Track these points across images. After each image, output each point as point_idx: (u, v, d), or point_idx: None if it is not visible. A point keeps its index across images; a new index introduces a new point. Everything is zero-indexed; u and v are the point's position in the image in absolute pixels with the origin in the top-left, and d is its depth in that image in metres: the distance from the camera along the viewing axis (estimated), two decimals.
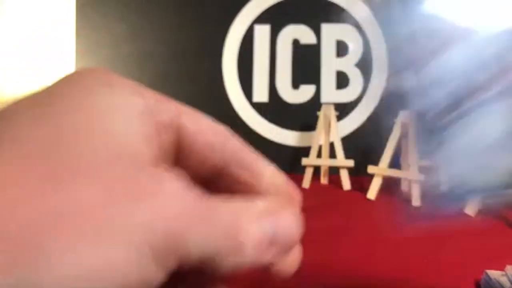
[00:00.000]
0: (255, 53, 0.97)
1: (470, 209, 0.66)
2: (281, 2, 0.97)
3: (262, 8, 0.97)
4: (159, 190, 0.14)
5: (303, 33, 0.96)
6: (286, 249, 0.17)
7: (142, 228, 0.13)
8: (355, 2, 0.95)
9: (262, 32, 0.97)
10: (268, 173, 0.21)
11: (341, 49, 0.96)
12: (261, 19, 0.97)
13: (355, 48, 0.95)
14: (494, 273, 0.39)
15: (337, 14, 0.96)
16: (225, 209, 0.16)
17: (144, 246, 0.13)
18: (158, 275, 0.14)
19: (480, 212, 0.66)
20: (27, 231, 0.12)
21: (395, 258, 0.46)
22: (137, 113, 0.16)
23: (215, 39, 0.98)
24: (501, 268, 0.40)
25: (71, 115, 0.15)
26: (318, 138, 0.85)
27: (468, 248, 0.52)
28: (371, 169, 0.77)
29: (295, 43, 0.97)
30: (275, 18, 0.97)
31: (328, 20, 0.96)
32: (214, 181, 0.19)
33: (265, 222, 0.16)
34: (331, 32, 0.96)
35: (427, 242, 0.54)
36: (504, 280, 0.37)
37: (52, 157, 0.14)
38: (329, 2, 0.96)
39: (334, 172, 0.85)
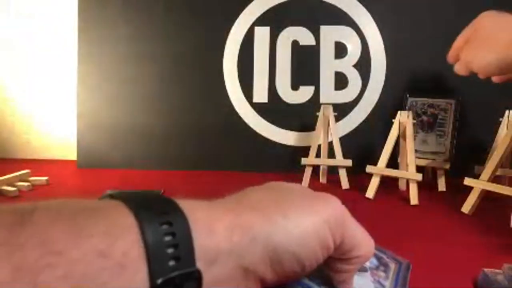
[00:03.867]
0: (255, 54, 0.98)
1: (467, 208, 0.67)
2: (281, 4, 0.97)
3: (262, 10, 0.98)
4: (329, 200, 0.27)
5: (303, 35, 0.97)
6: None
7: (327, 213, 0.25)
8: (353, 5, 0.96)
9: (262, 34, 0.98)
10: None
11: (340, 50, 0.97)
12: (261, 21, 0.98)
13: (353, 50, 0.96)
14: (491, 271, 0.40)
15: (335, 16, 0.96)
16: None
17: (328, 221, 0.25)
18: (331, 242, 0.25)
19: (477, 210, 0.67)
20: (274, 207, 0.25)
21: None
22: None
23: (216, 40, 0.99)
24: (498, 266, 0.40)
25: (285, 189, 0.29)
26: (317, 138, 0.86)
27: (466, 247, 0.53)
28: (369, 168, 0.77)
29: (295, 44, 0.97)
30: (275, 20, 0.97)
31: (327, 22, 0.97)
32: None
33: None
34: (330, 34, 0.97)
35: (426, 241, 0.55)
36: (501, 278, 0.38)
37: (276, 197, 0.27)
38: (328, 4, 0.97)
39: (333, 171, 0.86)
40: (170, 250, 0.19)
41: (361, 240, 0.27)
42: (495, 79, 0.59)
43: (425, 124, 0.85)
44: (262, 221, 0.23)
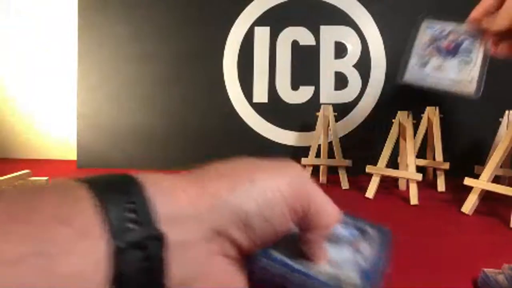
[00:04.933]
0: (255, 54, 0.98)
1: (467, 208, 0.67)
2: (280, 4, 0.97)
3: (262, 10, 0.98)
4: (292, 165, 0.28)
5: (302, 35, 0.97)
6: None
7: (291, 176, 0.26)
8: (353, 5, 0.96)
9: (262, 34, 0.98)
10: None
11: (340, 50, 0.97)
12: (261, 21, 0.98)
13: (353, 50, 0.96)
14: (491, 272, 0.40)
15: (335, 16, 0.96)
16: None
17: (292, 183, 0.26)
18: (298, 204, 0.26)
19: (477, 210, 0.67)
20: (240, 174, 0.26)
21: (394, 257, 0.47)
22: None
23: (216, 40, 0.99)
24: (498, 266, 0.40)
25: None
26: (317, 138, 0.86)
27: (466, 247, 0.53)
28: (369, 168, 0.77)
29: (295, 44, 0.97)
30: (275, 20, 0.97)
31: (327, 22, 0.97)
32: None
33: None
34: (329, 33, 0.97)
35: (426, 241, 0.55)
36: (501, 278, 0.38)
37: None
38: (328, 4, 0.97)
39: (332, 171, 0.86)
40: (130, 215, 0.20)
41: (326, 205, 0.27)
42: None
43: (443, 50, 0.61)
44: (229, 187, 0.24)
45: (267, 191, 0.25)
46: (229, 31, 0.98)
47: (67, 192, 0.20)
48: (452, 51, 0.56)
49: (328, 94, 0.96)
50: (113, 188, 0.21)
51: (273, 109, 0.97)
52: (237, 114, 0.98)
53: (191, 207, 0.23)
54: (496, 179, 0.70)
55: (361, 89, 0.96)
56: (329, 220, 0.27)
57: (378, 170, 0.77)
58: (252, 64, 0.98)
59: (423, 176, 0.76)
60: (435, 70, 0.57)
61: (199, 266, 0.23)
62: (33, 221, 0.18)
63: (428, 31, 0.63)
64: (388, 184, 0.82)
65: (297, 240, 0.27)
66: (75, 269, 0.18)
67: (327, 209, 0.27)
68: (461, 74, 0.54)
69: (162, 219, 0.21)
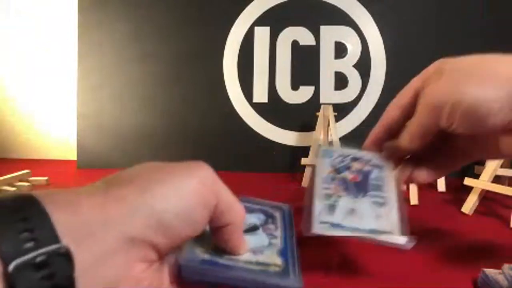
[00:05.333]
0: (255, 54, 0.98)
1: (467, 208, 0.67)
2: (280, 4, 0.97)
3: (262, 10, 0.98)
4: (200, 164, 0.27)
5: (302, 35, 0.97)
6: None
7: (201, 174, 0.26)
8: (353, 5, 0.96)
9: (262, 34, 0.98)
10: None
11: (340, 50, 0.97)
12: (261, 21, 0.98)
13: (353, 50, 0.96)
14: (491, 272, 0.40)
15: (335, 16, 0.96)
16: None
17: (202, 181, 0.26)
18: (210, 200, 0.26)
19: (477, 210, 0.67)
20: (148, 177, 0.25)
21: (393, 257, 0.47)
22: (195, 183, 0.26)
23: (216, 40, 0.99)
24: (498, 266, 0.40)
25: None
26: (317, 138, 0.86)
27: (466, 247, 0.53)
28: None
29: (295, 44, 0.97)
30: (275, 20, 0.97)
31: (327, 22, 0.97)
32: None
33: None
34: (329, 33, 0.97)
35: (425, 241, 0.55)
36: (501, 278, 0.38)
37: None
38: (328, 4, 0.97)
39: None
40: (24, 234, 0.19)
41: (234, 203, 0.28)
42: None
43: (350, 185, 0.44)
44: (138, 192, 0.24)
45: (180, 189, 0.25)
46: (229, 31, 0.98)
47: None
48: (362, 186, 0.43)
49: (328, 94, 0.96)
50: (4, 208, 0.19)
51: (273, 109, 0.97)
52: (237, 114, 0.98)
53: (97, 215, 0.21)
54: (496, 179, 0.69)
55: (361, 89, 0.96)
56: (237, 216, 0.28)
57: None
58: (252, 64, 0.98)
59: None
60: (348, 215, 0.40)
61: (116, 277, 0.22)
62: None
63: (326, 160, 0.47)
64: None
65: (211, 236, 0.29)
66: None
67: (234, 206, 0.28)
68: (379, 223, 0.40)
69: (66, 233, 0.20)
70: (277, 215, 0.36)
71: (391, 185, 0.44)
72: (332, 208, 0.41)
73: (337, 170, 0.45)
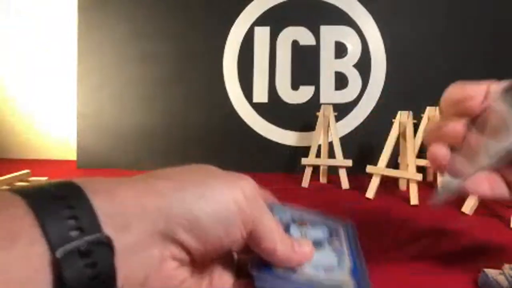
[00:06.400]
0: (255, 54, 0.98)
1: (468, 208, 0.67)
2: (280, 4, 0.97)
3: (262, 10, 0.98)
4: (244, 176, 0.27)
5: (303, 35, 0.97)
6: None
7: (242, 184, 0.26)
8: (353, 4, 0.96)
9: (262, 34, 0.98)
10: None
11: (340, 50, 0.97)
12: (261, 21, 0.98)
13: (353, 50, 0.96)
14: (491, 272, 0.40)
15: (335, 16, 0.96)
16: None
17: (244, 191, 0.25)
18: (248, 213, 0.25)
19: (477, 211, 0.67)
20: (189, 177, 0.25)
21: (394, 257, 0.47)
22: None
23: (216, 40, 0.99)
24: (498, 266, 0.40)
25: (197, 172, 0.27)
26: (317, 138, 0.86)
27: (466, 247, 0.53)
28: (369, 168, 0.77)
29: (295, 44, 0.97)
30: (275, 20, 0.97)
31: (327, 22, 0.97)
32: None
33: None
34: (330, 33, 0.97)
35: (426, 241, 0.55)
36: (501, 278, 0.38)
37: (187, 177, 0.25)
38: (328, 4, 0.97)
39: (333, 171, 0.86)
40: (70, 222, 0.19)
41: (271, 231, 0.26)
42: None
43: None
44: (176, 189, 0.23)
45: (222, 198, 0.24)
46: (229, 31, 0.98)
47: (2, 211, 0.19)
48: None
49: (328, 94, 0.96)
50: (49, 196, 0.20)
51: (273, 109, 0.97)
52: (237, 114, 0.98)
53: (134, 207, 0.22)
54: None
55: (361, 89, 0.96)
56: (270, 246, 0.26)
57: (378, 170, 0.77)
58: (252, 64, 0.98)
59: (423, 176, 0.76)
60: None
61: (147, 270, 0.22)
62: None
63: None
64: (389, 184, 0.82)
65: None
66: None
67: (272, 235, 0.26)
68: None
69: (106, 221, 0.20)
70: (340, 230, 0.34)
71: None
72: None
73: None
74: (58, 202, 0.19)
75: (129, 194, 0.22)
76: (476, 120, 0.35)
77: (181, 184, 0.24)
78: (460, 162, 0.37)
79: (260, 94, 0.98)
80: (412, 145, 0.76)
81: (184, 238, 0.23)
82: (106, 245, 0.20)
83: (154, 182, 0.23)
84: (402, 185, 0.82)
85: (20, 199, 0.19)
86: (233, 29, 0.98)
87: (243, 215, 0.25)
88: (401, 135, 0.78)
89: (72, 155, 1.04)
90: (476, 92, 0.35)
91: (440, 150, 0.38)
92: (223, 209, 0.24)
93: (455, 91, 0.36)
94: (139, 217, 0.22)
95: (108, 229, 0.20)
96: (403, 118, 0.78)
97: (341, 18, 0.96)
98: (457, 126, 0.36)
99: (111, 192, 0.21)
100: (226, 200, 0.24)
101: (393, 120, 0.79)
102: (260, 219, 0.25)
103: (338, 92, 0.96)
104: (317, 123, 0.86)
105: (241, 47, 0.98)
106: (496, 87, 0.34)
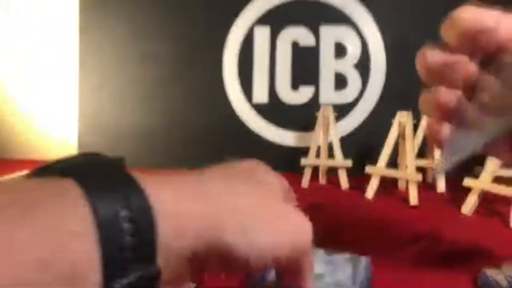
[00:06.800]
0: (255, 54, 0.98)
1: (467, 208, 0.67)
2: (280, 4, 0.97)
3: (262, 10, 0.98)
4: (288, 214, 0.25)
5: (302, 35, 0.97)
6: None
7: (291, 236, 0.23)
8: (353, 4, 0.96)
9: (262, 34, 0.98)
10: None
11: (340, 50, 0.97)
12: (261, 21, 0.98)
13: (353, 50, 0.96)
14: (491, 272, 0.40)
15: (335, 16, 0.96)
16: None
17: (290, 244, 0.23)
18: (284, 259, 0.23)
19: (477, 211, 0.67)
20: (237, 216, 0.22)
21: (393, 257, 0.47)
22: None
23: (215, 40, 0.99)
24: (498, 267, 0.40)
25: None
26: (316, 139, 0.86)
27: (466, 247, 0.53)
28: (369, 169, 0.77)
29: (295, 44, 0.97)
30: (274, 20, 0.97)
31: (327, 22, 0.97)
32: None
33: None
34: (329, 34, 0.97)
35: (426, 242, 0.55)
36: (501, 278, 0.38)
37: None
38: (328, 4, 0.97)
39: (332, 172, 0.86)
40: (123, 213, 0.18)
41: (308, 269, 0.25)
42: None
43: None
44: (225, 230, 0.21)
45: (260, 246, 0.22)
46: (229, 31, 0.98)
47: (59, 197, 0.18)
48: None
49: (328, 94, 0.96)
50: (107, 186, 0.19)
51: (273, 109, 0.97)
52: (236, 114, 0.98)
53: (189, 205, 0.21)
54: (496, 179, 0.69)
55: (361, 89, 0.96)
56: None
57: (377, 170, 0.77)
58: (252, 64, 0.98)
59: (423, 176, 0.76)
60: None
61: (173, 274, 0.21)
62: (35, 230, 0.16)
63: None
64: (388, 185, 0.82)
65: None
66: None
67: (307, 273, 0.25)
68: None
69: (162, 215, 0.19)
70: (359, 267, 0.35)
71: None
72: None
73: None
74: (113, 193, 0.18)
75: (191, 230, 0.20)
76: (488, 60, 0.28)
77: (232, 223, 0.22)
78: (476, 111, 0.29)
79: (260, 95, 0.98)
80: (411, 146, 0.76)
81: (206, 262, 0.22)
82: (155, 278, 0.19)
83: (212, 216, 0.21)
84: (401, 186, 0.82)
85: (78, 190, 0.18)
86: (233, 29, 0.98)
87: (279, 265, 0.24)
88: (401, 135, 0.78)
89: None
90: (495, 21, 0.27)
91: (447, 94, 0.31)
92: (257, 257, 0.22)
93: (468, 17, 0.29)
94: (190, 216, 0.21)
95: (161, 221, 0.19)
96: (402, 118, 0.78)
97: (341, 18, 0.96)
98: (470, 67, 0.29)
99: (177, 221, 0.20)
100: (264, 250, 0.22)
101: (392, 120, 0.79)
102: (303, 277, 0.25)
103: (338, 92, 0.96)
104: (317, 124, 0.86)
105: (241, 47, 0.98)
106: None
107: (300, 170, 0.86)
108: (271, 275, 0.31)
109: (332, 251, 0.37)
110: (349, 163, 0.83)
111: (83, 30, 1.01)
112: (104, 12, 1.01)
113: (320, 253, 0.37)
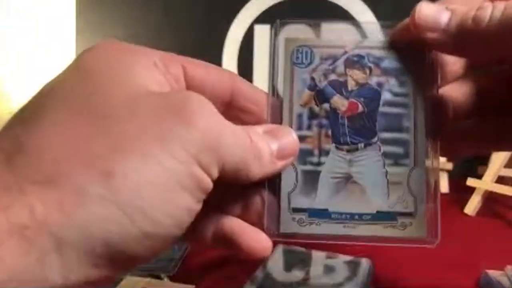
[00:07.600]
0: (255, 53, 0.97)
1: (470, 209, 0.66)
2: (281, 1, 0.97)
3: (262, 8, 0.97)
4: (190, 113, 0.19)
5: (303, 33, 0.96)
6: (289, 160, 0.24)
7: (187, 145, 0.18)
8: (354, 3, 0.96)
9: (262, 32, 0.97)
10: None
11: None
12: (261, 18, 0.97)
13: None
14: (494, 273, 0.39)
15: (336, 15, 0.96)
16: (240, 128, 0.22)
17: (192, 159, 0.18)
18: (205, 181, 0.19)
19: (480, 211, 0.66)
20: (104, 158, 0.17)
21: (395, 257, 0.46)
22: (151, 65, 0.22)
23: (215, 38, 0.98)
24: (501, 268, 0.40)
25: (106, 73, 0.21)
26: None
27: (468, 248, 0.52)
28: None
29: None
30: (275, 18, 0.97)
31: (328, 20, 0.96)
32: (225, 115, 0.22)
33: (268, 139, 0.23)
34: (331, 32, 0.96)
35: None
36: (504, 280, 0.38)
37: (95, 106, 0.19)
38: (329, 2, 0.96)
39: None
40: None
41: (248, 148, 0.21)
42: None
43: (338, 130, 0.27)
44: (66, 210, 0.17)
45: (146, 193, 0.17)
46: (229, 29, 0.98)
47: None
48: (365, 123, 0.25)
49: None
50: None
51: None
52: None
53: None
54: (500, 180, 0.69)
55: None
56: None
57: None
58: (252, 63, 0.97)
59: None
60: (339, 191, 0.24)
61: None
62: None
63: (300, 72, 0.26)
64: None
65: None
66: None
67: (248, 155, 0.21)
68: (392, 198, 0.25)
69: None
70: (360, 269, 0.36)
71: (420, 115, 0.23)
72: (311, 179, 0.24)
73: (321, 95, 0.25)
74: None
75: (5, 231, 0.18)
76: None
77: (71, 194, 0.18)
78: None
79: None
80: None
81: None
82: None
83: (29, 196, 0.18)
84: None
85: None
86: (232, 27, 0.98)
87: (195, 186, 0.20)
88: None
89: None
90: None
91: None
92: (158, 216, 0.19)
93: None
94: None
95: None
96: None
97: (342, 17, 0.96)
98: None
99: None
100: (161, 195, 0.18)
101: None
102: (226, 158, 0.21)
103: None
104: None
105: (241, 45, 0.98)
106: None
107: None
108: None
109: (333, 254, 0.37)
110: None
111: (80, 31, 1.01)
112: (101, 12, 1.00)
113: (321, 256, 0.37)
